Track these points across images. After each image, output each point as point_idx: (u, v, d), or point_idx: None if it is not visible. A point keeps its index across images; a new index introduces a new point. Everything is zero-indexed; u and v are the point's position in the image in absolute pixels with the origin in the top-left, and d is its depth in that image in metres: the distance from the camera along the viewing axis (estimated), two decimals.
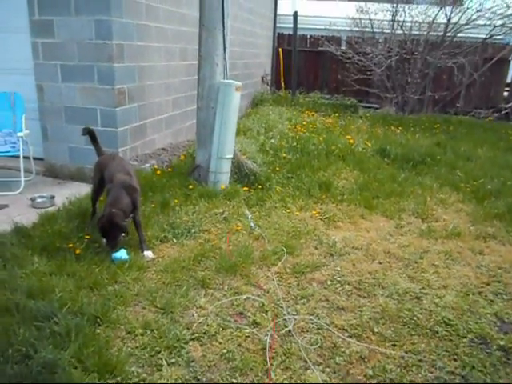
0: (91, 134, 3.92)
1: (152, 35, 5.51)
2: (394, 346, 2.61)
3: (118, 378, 2.24)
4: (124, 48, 4.89)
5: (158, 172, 4.97)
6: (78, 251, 3.33)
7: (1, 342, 2.31)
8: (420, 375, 2.38)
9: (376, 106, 10.99)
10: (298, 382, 2.30)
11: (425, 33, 9.66)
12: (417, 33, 9.81)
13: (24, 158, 4.81)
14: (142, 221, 3.64)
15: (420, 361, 2.49)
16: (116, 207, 3.34)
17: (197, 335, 2.60)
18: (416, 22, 9.64)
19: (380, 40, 10.44)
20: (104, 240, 3.43)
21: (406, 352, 2.56)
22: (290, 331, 2.69)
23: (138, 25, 5.14)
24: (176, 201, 4.36)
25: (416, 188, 5.15)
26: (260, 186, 4.81)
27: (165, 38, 5.84)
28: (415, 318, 2.85)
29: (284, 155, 5.72)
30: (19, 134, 4.78)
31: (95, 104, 4.92)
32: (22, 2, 4.85)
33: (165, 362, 2.37)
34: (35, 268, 3.11)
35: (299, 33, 11.15)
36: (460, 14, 9.37)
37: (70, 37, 4.80)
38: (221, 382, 2.28)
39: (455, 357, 2.52)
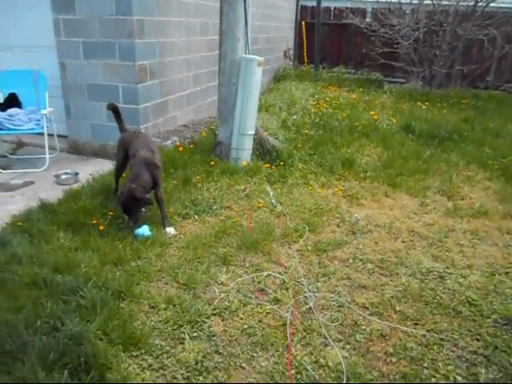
0: (115, 110, 3.94)
1: (173, 10, 5.45)
2: (416, 324, 2.59)
3: (142, 351, 2.30)
4: (144, 23, 4.85)
5: (180, 149, 4.98)
6: (101, 227, 3.39)
7: (30, 314, 2.38)
8: (442, 354, 2.36)
9: (402, 80, 10.66)
10: (318, 357, 2.32)
11: (454, 3, 9.24)
12: (446, 3, 9.39)
13: (48, 135, 4.89)
14: (163, 197, 3.67)
15: (442, 340, 2.46)
16: (136, 183, 3.37)
17: (218, 311, 2.63)
18: None
19: (407, 11, 10.04)
20: (126, 216, 3.48)
21: (428, 331, 2.53)
22: (310, 308, 2.70)
23: None
24: (198, 177, 4.37)
25: (442, 165, 5.03)
26: (282, 163, 4.77)
27: (186, 12, 5.76)
28: (438, 298, 2.81)
29: (306, 131, 5.64)
30: (43, 112, 4.84)
31: (117, 81, 4.93)
32: None
33: (187, 336, 2.41)
34: (61, 243, 3.19)
35: (323, 4, 10.83)
36: None
37: (91, 13, 4.78)
38: (241, 355, 2.31)
39: (478, 337, 2.49)
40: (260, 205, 3.96)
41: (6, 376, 2.02)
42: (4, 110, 4.86)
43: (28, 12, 5.27)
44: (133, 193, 3.32)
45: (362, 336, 2.49)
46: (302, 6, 11.46)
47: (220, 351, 2.34)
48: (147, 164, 3.47)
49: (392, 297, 2.82)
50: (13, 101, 5.01)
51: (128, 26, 4.67)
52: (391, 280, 3.01)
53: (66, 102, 5.27)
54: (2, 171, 4.75)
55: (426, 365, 2.30)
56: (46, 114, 4.83)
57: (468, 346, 2.41)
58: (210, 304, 2.68)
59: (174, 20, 5.50)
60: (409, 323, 2.60)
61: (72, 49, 4.98)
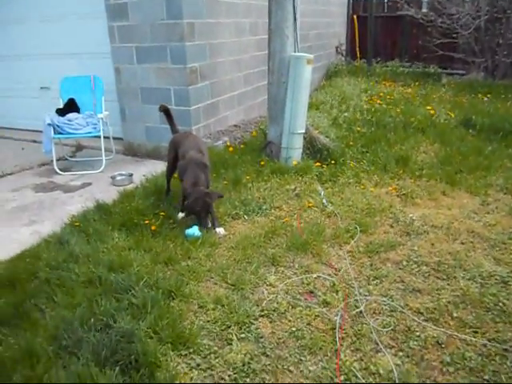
0: (166, 112, 4.02)
1: (222, 11, 5.49)
2: (476, 332, 2.43)
3: (191, 350, 2.32)
4: (195, 26, 4.93)
5: (231, 149, 5.01)
6: (153, 227, 3.47)
7: (85, 311, 2.48)
8: (505, 366, 2.19)
9: (462, 72, 10.13)
10: (368, 364, 2.23)
11: None
12: None
13: (104, 138, 5.09)
14: None
15: (505, 350, 2.29)
16: (200, 185, 3.43)
17: (266, 312, 2.61)
18: None
19: None
20: (180, 215, 3.58)
21: (489, 340, 2.37)
22: (361, 312, 2.61)
23: (207, 2, 5.14)
24: (248, 177, 4.37)
25: (505, 161, 4.70)
26: (333, 162, 4.67)
27: (235, 13, 5.79)
28: (501, 304, 2.62)
29: (358, 129, 5.49)
30: (99, 116, 5.05)
31: (169, 84, 5.04)
32: None
33: (235, 337, 2.41)
34: (115, 243, 3.30)
35: None
36: None
37: (143, 18, 4.93)
38: (289, 359, 2.28)
39: None
40: (310, 204, 3.89)
41: (62, 370, 2.11)
42: (63, 114, 5.12)
43: (85, 21, 5.51)
44: (207, 195, 3.39)
45: (415, 343, 2.37)
46: None
47: (267, 353, 2.31)
48: (198, 164, 3.52)
49: (449, 302, 2.67)
50: (71, 106, 5.26)
51: (179, 29, 4.76)
52: (448, 284, 2.85)
53: (121, 105, 5.47)
54: (63, 173, 5.01)
55: (486, 377, 2.15)
56: (102, 118, 5.04)
57: None
58: (258, 305, 2.67)
59: (224, 21, 5.55)
60: (468, 331, 2.44)
61: (126, 54, 5.16)
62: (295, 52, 4.58)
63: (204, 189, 3.44)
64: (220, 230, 3.52)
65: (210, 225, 3.44)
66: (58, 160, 5.12)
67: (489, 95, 7.65)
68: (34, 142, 6.04)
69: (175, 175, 4.05)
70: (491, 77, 9.34)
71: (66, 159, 5.49)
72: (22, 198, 4.41)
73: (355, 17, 10.87)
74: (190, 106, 5.05)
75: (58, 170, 4.98)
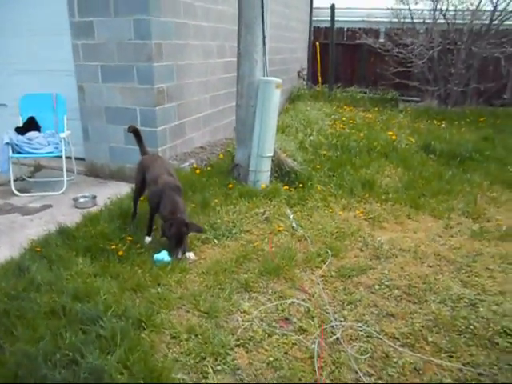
0: (136, 132, 3.93)
1: (190, 33, 5.48)
2: (451, 357, 2.45)
3: None
4: (163, 47, 4.88)
5: (198, 171, 4.94)
6: (120, 252, 3.33)
7: (49, 345, 2.31)
8: None
9: (416, 99, 10.61)
10: None
11: (469, 22, 9.21)
12: (460, 22, 9.37)
13: (66, 158, 4.89)
14: None
15: (480, 374, 2.32)
16: (179, 211, 3.34)
17: (242, 341, 2.53)
18: (459, 10, 9.22)
19: (421, 31, 10.03)
20: (147, 239, 3.50)
21: (464, 364, 2.40)
22: (338, 339, 2.58)
23: (176, 23, 5.13)
24: (216, 200, 4.31)
25: (465, 186, 4.90)
26: (301, 185, 4.70)
27: (202, 35, 5.80)
28: (472, 327, 2.67)
29: (324, 152, 5.58)
30: (61, 135, 4.86)
31: (135, 104, 4.94)
32: (62, 4, 4.92)
33: (211, 370, 2.31)
34: (79, 269, 3.13)
35: (336, 25, 10.89)
36: (508, 0, 8.87)
37: (109, 37, 4.83)
38: None
39: None
40: (280, 228, 3.87)
41: None
42: (23, 133, 4.89)
43: (48, 37, 5.33)
44: (185, 223, 3.31)
45: (394, 370, 2.36)
46: (315, 27, 11.56)
47: None
48: (173, 189, 3.45)
49: (423, 326, 2.69)
50: (32, 124, 5.04)
51: (147, 49, 4.70)
52: (420, 308, 2.88)
53: (84, 124, 5.29)
54: (20, 194, 4.75)
55: None
56: (64, 138, 4.85)
57: (510, 382, 2.27)
58: (233, 334, 2.59)
59: (192, 43, 5.54)
60: (443, 355, 2.46)
61: (90, 72, 5.02)
62: (264, 76, 4.62)
63: (184, 218, 3.34)
64: (190, 255, 3.43)
65: (180, 255, 3.32)
66: (15, 180, 4.85)
67: (443, 121, 8.03)
68: None
69: (141, 198, 3.94)
70: (444, 104, 9.83)
71: (24, 179, 5.21)
72: None
73: (318, 43, 11.19)
74: (157, 126, 4.95)
75: (15, 191, 4.72)
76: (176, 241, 3.31)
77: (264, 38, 4.44)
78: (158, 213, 3.47)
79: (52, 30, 5.25)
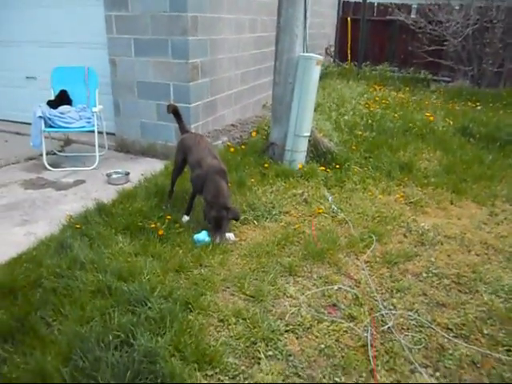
0: (175, 112, 3.81)
1: (224, 6, 5.31)
2: (509, 351, 2.36)
3: (217, 370, 2.15)
4: (198, 20, 4.73)
5: (232, 149, 4.84)
6: (160, 232, 3.27)
7: (99, 326, 2.27)
8: None
9: (447, 79, 10.25)
10: None
11: None
12: None
13: (97, 133, 4.81)
14: None
15: None
16: (222, 196, 3.25)
17: (291, 327, 2.46)
18: None
19: (456, 7, 9.61)
20: (185, 218, 3.48)
21: None
22: (389, 328, 2.50)
23: None
24: (252, 180, 4.22)
25: (508, 171, 4.71)
26: (337, 166, 4.56)
27: (236, 8, 5.61)
28: None
29: (360, 133, 5.41)
30: (94, 110, 4.78)
31: (168, 79, 4.82)
32: None
33: (262, 355, 2.25)
34: (120, 248, 3.09)
35: (367, 0, 10.50)
36: None
37: (143, 9, 4.69)
38: (323, 380, 2.14)
39: None
40: (320, 211, 3.77)
41: None
42: (55, 107, 4.82)
43: (80, 8, 5.22)
44: (225, 207, 3.22)
45: (451, 362, 2.28)
46: (344, 1, 11.16)
47: (300, 374, 2.17)
48: (218, 172, 3.35)
49: (476, 317, 2.60)
50: (63, 98, 4.97)
51: (182, 22, 4.55)
52: (472, 298, 2.78)
53: (116, 99, 5.21)
54: (53, 169, 4.72)
55: None
56: (96, 112, 4.77)
57: None
58: (281, 319, 2.52)
59: (225, 17, 5.37)
60: (500, 349, 2.37)
61: (123, 46, 4.90)
62: (304, 52, 4.44)
63: (226, 203, 3.24)
64: (230, 236, 3.36)
65: (218, 240, 3.23)
66: (46, 154, 4.81)
67: (478, 103, 7.73)
68: (18, 134, 5.70)
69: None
70: (476, 85, 9.48)
71: (55, 154, 5.18)
72: (11, 195, 4.12)
73: (349, 19, 10.82)
74: (190, 102, 4.84)
75: (47, 166, 4.69)
76: (215, 224, 3.23)
77: (306, 11, 4.25)
78: (202, 196, 3.39)
79: (84, 1, 5.13)
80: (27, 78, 5.95)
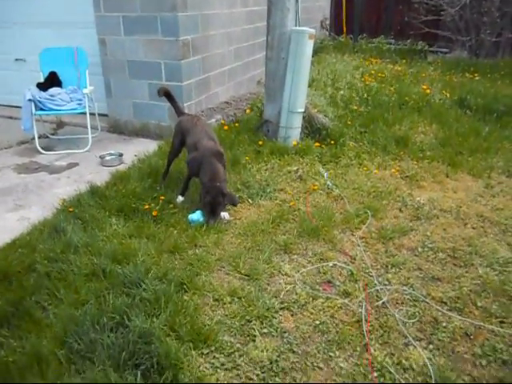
0: (167, 95, 3.74)
1: None
2: (502, 322, 2.38)
3: (212, 348, 2.17)
4: None
5: (226, 127, 4.79)
6: (154, 213, 3.26)
7: (94, 309, 2.28)
8: None
9: (445, 50, 10.07)
10: (400, 358, 2.14)
11: None
12: None
13: (89, 114, 4.75)
14: None
15: None
16: (218, 180, 3.21)
17: (286, 304, 2.48)
18: None
19: None
20: (179, 199, 3.47)
21: None
22: (384, 303, 2.51)
23: None
24: (247, 158, 4.19)
25: (504, 143, 4.67)
26: (332, 142, 4.52)
27: None
28: None
29: (355, 108, 5.34)
30: (85, 91, 4.71)
31: (159, 57, 4.73)
32: None
33: (257, 332, 2.27)
34: (114, 230, 3.09)
35: None
36: None
37: None
38: (318, 355, 2.16)
39: None
40: (315, 187, 3.75)
41: (78, 377, 1.93)
42: (45, 89, 4.74)
43: None
44: (221, 193, 3.18)
45: (444, 335, 2.30)
46: None
47: (294, 350, 2.19)
48: (216, 155, 3.31)
49: (471, 290, 2.61)
50: (53, 80, 4.88)
51: None
52: (467, 271, 2.78)
53: (107, 79, 5.12)
54: (45, 152, 4.68)
55: None
56: (87, 93, 4.70)
57: None
58: (276, 297, 2.53)
59: None
60: (494, 321, 2.39)
61: (112, 24, 4.80)
62: (296, 26, 4.35)
63: (222, 188, 3.20)
64: (225, 215, 3.34)
65: (212, 222, 3.20)
66: (39, 138, 4.76)
67: (476, 74, 7.62)
68: (10, 118, 5.63)
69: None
70: (475, 55, 9.32)
71: (47, 137, 5.13)
72: (4, 179, 4.09)
73: None
74: (182, 81, 4.76)
75: (40, 149, 4.64)
76: (210, 209, 3.19)
77: None
78: (199, 178, 3.36)
79: None
80: (16, 60, 5.84)
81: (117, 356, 1.99)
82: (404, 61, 8.54)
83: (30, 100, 4.48)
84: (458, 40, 9.53)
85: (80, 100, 4.75)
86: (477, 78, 7.26)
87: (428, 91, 5.99)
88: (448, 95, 6.02)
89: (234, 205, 3.33)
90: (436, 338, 2.29)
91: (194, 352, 2.13)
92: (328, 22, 10.77)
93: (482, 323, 2.37)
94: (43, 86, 4.75)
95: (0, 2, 5.61)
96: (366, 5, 10.55)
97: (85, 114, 4.70)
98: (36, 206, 3.59)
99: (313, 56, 7.77)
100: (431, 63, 8.47)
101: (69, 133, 5.31)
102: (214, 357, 2.14)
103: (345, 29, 10.48)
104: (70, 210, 3.30)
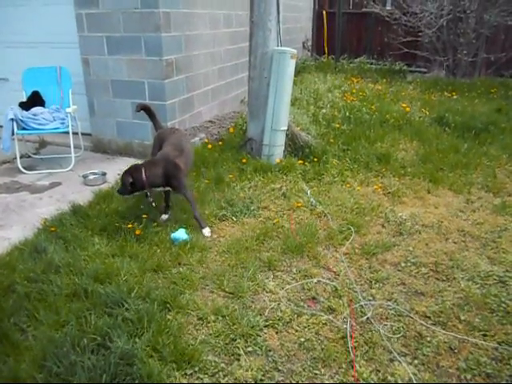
0: (146, 109, 3.76)
1: (197, 1, 5.25)
2: (485, 336, 2.40)
3: (196, 368, 2.14)
4: (170, 16, 4.67)
5: (209, 146, 4.81)
6: (138, 231, 3.23)
7: (74, 330, 2.23)
8: None
9: (423, 70, 10.34)
10: (386, 374, 2.14)
11: None
12: None
13: (72, 133, 4.72)
14: (196, 197, 3.60)
15: None
16: (143, 167, 3.30)
17: (271, 322, 2.47)
18: None
19: None
20: (163, 217, 3.50)
21: (499, 343, 2.34)
22: (368, 318, 2.52)
23: None
24: (230, 176, 4.20)
25: (482, 159, 4.77)
26: (316, 159, 4.57)
27: (209, 3, 5.56)
28: (504, 305, 2.60)
29: (337, 126, 5.42)
30: (68, 110, 4.70)
31: (143, 77, 4.76)
32: None
33: (242, 351, 2.25)
34: (96, 250, 3.05)
35: None
36: None
37: (114, 6, 4.62)
38: (303, 373, 2.15)
39: None
40: (299, 204, 3.77)
41: None
42: (27, 108, 4.72)
43: (50, 7, 5.10)
44: (130, 170, 3.33)
45: (428, 349, 2.31)
46: None
47: (279, 368, 2.17)
48: (165, 161, 3.33)
49: (454, 304, 2.63)
50: (36, 99, 4.86)
51: (154, 19, 4.49)
52: (449, 285, 2.81)
53: (90, 99, 5.12)
54: (27, 172, 4.62)
55: (504, 382, 2.11)
56: (70, 113, 4.68)
57: None
58: (261, 314, 2.52)
59: (199, 12, 5.31)
60: (477, 334, 2.41)
61: (95, 44, 4.82)
62: (278, 46, 4.42)
63: (136, 166, 3.35)
64: (205, 231, 3.33)
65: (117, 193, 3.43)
66: (20, 157, 4.70)
67: (454, 93, 7.83)
68: None
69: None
70: (452, 75, 9.58)
71: (30, 156, 5.07)
72: None
73: (324, 12, 10.82)
74: (166, 100, 4.79)
75: (22, 169, 4.59)
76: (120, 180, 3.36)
77: (278, 5, 4.23)
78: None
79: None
80: None
81: (98, 379, 1.95)
82: (384, 80, 8.74)
83: (11, 119, 4.45)
84: (435, 60, 9.81)
85: (63, 119, 4.73)
86: (455, 97, 7.45)
87: (408, 109, 6.12)
88: (427, 113, 6.16)
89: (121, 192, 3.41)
90: (421, 352, 2.29)
91: (177, 373, 2.09)
92: (310, 43, 10.99)
93: (465, 337, 2.39)
94: (26, 106, 4.72)
95: None
96: (346, 26, 10.81)
97: (68, 133, 4.67)
98: (17, 225, 3.53)
99: (295, 76, 7.91)
100: (410, 82, 8.68)
101: (51, 152, 5.27)
102: (198, 377, 2.11)
103: (326, 49, 10.70)
104: (52, 229, 3.26)
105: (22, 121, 4.51)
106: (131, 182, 3.25)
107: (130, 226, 3.31)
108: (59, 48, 5.14)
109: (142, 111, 3.81)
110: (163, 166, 3.31)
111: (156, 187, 3.37)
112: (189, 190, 3.44)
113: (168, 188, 3.41)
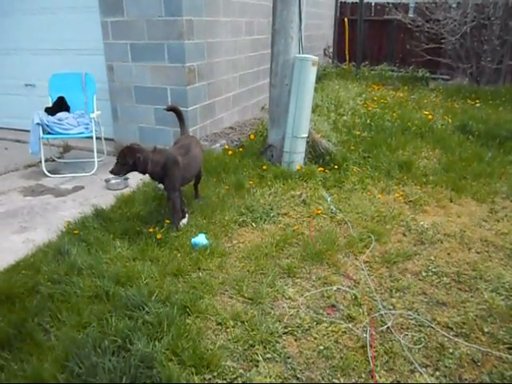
0: (177, 112, 3.76)
1: (219, 9, 5.31)
2: (510, 349, 2.34)
3: (215, 373, 2.14)
4: (194, 24, 4.73)
5: (230, 152, 4.84)
6: (159, 236, 3.26)
7: (96, 332, 2.26)
8: None
9: (446, 77, 10.22)
10: None
11: None
12: None
13: (96, 138, 4.82)
14: (216, 203, 3.72)
15: None
16: (151, 151, 3.30)
17: (290, 329, 2.45)
18: None
19: (453, 5, 9.60)
20: (183, 221, 3.52)
21: None
22: (389, 328, 2.48)
23: None
24: (250, 182, 4.22)
25: (507, 168, 4.69)
26: (336, 167, 4.55)
27: (232, 11, 5.62)
28: None
29: (358, 133, 5.39)
30: (92, 115, 4.79)
31: (165, 83, 4.83)
32: None
33: (261, 358, 2.24)
34: (118, 253, 3.09)
35: (364, 0, 10.50)
36: None
37: (139, 14, 4.71)
38: (322, 381, 2.13)
39: None
40: (319, 211, 3.76)
41: None
42: (53, 113, 4.83)
43: (77, 15, 5.24)
44: (130, 147, 3.27)
45: (451, 361, 2.26)
46: (341, 2, 11.16)
47: (298, 376, 2.16)
48: (168, 154, 3.37)
49: (477, 316, 2.58)
50: (61, 104, 4.98)
51: (177, 26, 4.56)
52: (472, 296, 2.76)
53: (113, 104, 5.22)
54: (52, 176, 4.73)
55: None
56: (94, 118, 4.78)
57: None
58: (280, 321, 2.51)
59: (221, 20, 5.37)
60: (501, 347, 2.35)
61: (120, 51, 4.92)
62: (299, 53, 4.44)
63: (138, 147, 3.31)
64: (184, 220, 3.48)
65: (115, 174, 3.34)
66: (45, 161, 4.82)
67: (478, 101, 7.71)
68: (18, 141, 5.72)
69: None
70: (475, 82, 9.44)
71: (54, 160, 5.19)
72: (10, 202, 4.12)
73: (346, 20, 10.82)
74: (188, 106, 4.84)
75: (46, 172, 4.70)
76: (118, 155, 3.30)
77: (300, 13, 4.25)
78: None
79: (80, 7, 5.15)
80: (26, 85, 5.98)
81: (118, 380, 1.97)
82: (406, 87, 8.67)
83: (38, 124, 4.56)
84: (459, 67, 9.68)
85: (87, 124, 4.83)
86: (478, 105, 7.33)
87: (430, 117, 6.05)
88: (450, 121, 6.08)
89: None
90: (442, 364, 2.25)
91: (196, 377, 2.10)
92: (331, 50, 10.99)
93: (489, 349, 2.33)
94: (51, 111, 4.84)
95: (11, 29, 5.77)
96: (368, 33, 10.78)
97: (91, 138, 4.77)
98: (41, 228, 3.61)
99: (316, 83, 7.91)
100: (433, 90, 8.59)
101: (75, 156, 5.38)
102: (217, 383, 2.11)
103: (348, 56, 10.68)
104: (75, 232, 3.31)
105: (47, 125, 4.63)
106: (133, 162, 3.22)
107: (151, 230, 3.34)
108: (84, 55, 5.27)
109: (171, 112, 3.82)
110: (165, 156, 3.34)
111: (153, 177, 3.41)
112: (176, 193, 3.42)
113: (161, 185, 3.50)
